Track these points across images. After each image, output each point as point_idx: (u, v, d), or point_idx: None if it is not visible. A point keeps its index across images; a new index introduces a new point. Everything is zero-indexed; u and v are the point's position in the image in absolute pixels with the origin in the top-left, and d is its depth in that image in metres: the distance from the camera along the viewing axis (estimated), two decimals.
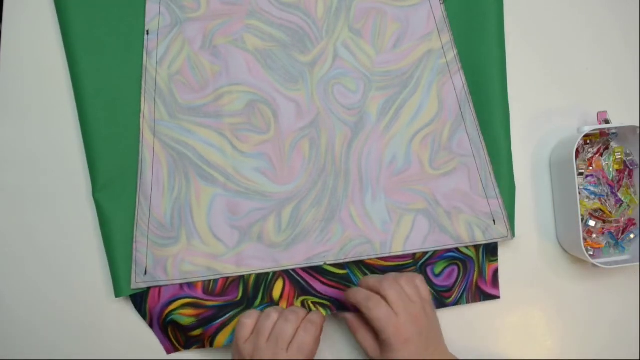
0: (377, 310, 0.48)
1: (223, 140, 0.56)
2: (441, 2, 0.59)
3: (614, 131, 0.57)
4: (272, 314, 0.49)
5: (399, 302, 0.48)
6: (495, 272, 0.57)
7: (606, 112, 0.57)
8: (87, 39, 0.55)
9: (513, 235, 0.56)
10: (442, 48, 0.58)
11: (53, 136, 0.56)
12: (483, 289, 0.57)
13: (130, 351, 0.54)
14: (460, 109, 0.57)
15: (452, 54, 0.58)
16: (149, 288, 0.54)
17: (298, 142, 0.56)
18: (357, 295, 0.50)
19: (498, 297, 0.57)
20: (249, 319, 0.49)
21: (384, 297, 0.48)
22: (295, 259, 0.55)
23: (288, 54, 0.57)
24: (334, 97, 0.57)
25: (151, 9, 0.57)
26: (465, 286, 0.56)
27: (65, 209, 0.56)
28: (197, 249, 0.54)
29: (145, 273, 0.53)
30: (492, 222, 0.56)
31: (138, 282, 0.53)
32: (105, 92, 0.55)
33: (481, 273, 0.57)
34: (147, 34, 0.56)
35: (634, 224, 0.57)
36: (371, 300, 0.48)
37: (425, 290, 0.50)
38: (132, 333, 0.54)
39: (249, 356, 0.47)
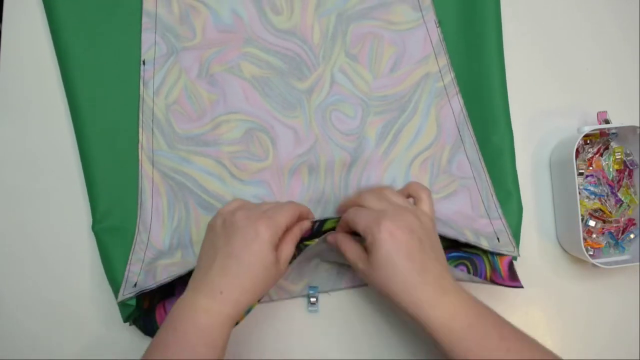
0: (359, 215, 0.45)
1: (222, 169, 0.55)
2: (437, 25, 0.58)
3: (614, 131, 0.57)
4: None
5: (380, 203, 0.46)
6: (511, 265, 0.52)
7: (606, 112, 0.57)
8: (84, 70, 0.55)
9: (518, 253, 0.53)
10: (440, 71, 0.58)
11: (53, 136, 0.56)
12: (501, 284, 0.52)
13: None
14: (459, 131, 0.57)
15: (449, 77, 0.58)
16: (154, 309, 0.51)
17: (297, 169, 0.56)
18: (345, 216, 0.47)
19: (521, 287, 0.51)
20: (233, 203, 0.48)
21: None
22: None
23: (285, 81, 0.57)
24: (331, 124, 0.56)
25: (147, 38, 0.56)
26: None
27: (66, 209, 0.55)
28: (190, 263, 0.51)
29: (135, 286, 0.50)
30: (497, 240, 0.54)
31: (125, 295, 0.49)
32: (103, 123, 0.54)
33: (494, 270, 0.52)
34: (144, 64, 0.56)
35: (634, 224, 0.57)
36: (354, 210, 0.46)
37: (425, 205, 0.47)
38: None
39: (220, 222, 0.45)
